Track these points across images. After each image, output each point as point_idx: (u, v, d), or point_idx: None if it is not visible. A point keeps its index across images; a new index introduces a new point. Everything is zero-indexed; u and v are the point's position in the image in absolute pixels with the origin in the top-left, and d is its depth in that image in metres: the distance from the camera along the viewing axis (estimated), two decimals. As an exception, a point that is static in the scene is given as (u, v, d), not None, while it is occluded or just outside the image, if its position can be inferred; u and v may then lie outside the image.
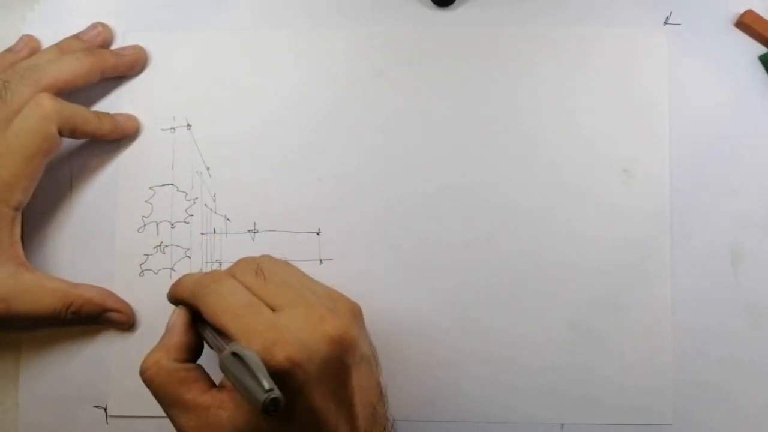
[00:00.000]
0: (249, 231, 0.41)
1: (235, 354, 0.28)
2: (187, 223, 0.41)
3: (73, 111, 0.38)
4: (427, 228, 0.40)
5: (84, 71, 0.38)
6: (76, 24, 0.41)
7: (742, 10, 0.41)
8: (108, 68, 0.40)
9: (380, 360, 0.38)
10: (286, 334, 0.29)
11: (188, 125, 0.41)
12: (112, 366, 0.40)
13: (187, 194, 0.41)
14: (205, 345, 0.34)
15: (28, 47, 0.41)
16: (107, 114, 0.40)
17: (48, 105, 0.36)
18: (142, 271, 0.41)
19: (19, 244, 0.37)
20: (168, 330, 0.34)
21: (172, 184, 0.41)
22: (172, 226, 0.41)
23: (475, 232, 0.40)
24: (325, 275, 0.40)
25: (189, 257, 0.41)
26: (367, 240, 0.40)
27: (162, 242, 0.41)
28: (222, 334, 0.31)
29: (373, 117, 0.41)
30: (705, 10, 0.41)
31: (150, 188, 0.41)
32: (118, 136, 0.41)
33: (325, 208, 0.41)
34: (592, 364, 0.40)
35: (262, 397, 0.26)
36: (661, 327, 0.40)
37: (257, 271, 0.33)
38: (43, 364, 0.40)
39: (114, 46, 0.42)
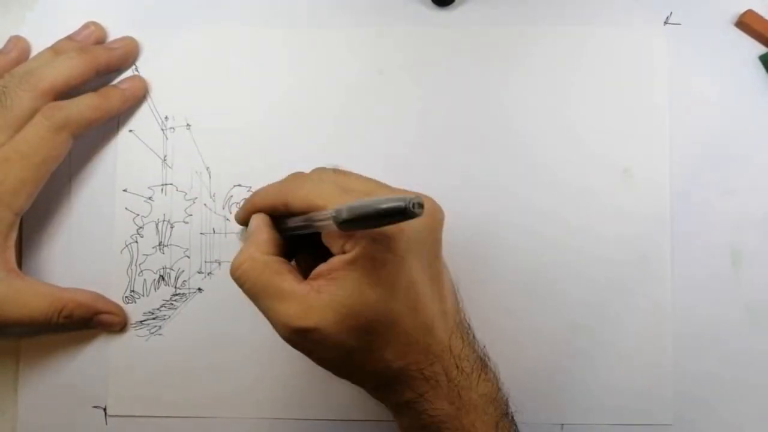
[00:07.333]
0: (248, 231, 0.41)
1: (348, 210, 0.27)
2: (187, 222, 0.41)
3: (80, 108, 0.38)
4: (427, 228, 0.40)
5: (79, 71, 0.38)
6: (75, 24, 0.41)
7: (742, 10, 0.41)
8: (102, 64, 0.40)
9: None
10: None
11: (187, 125, 0.41)
12: (111, 366, 0.40)
13: (186, 194, 0.41)
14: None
15: (17, 48, 0.41)
16: (112, 87, 0.40)
17: (57, 116, 0.37)
18: (141, 271, 0.41)
19: (13, 250, 0.37)
20: (252, 233, 0.34)
21: (171, 184, 0.41)
22: (172, 226, 0.41)
23: (474, 232, 0.40)
24: (325, 275, 0.40)
25: (188, 257, 0.41)
26: (367, 240, 0.40)
27: (161, 242, 0.41)
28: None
29: (373, 116, 0.41)
30: (705, 10, 0.41)
31: (149, 188, 0.41)
32: (130, 105, 0.41)
33: (325, 208, 0.41)
34: (592, 364, 0.40)
35: (406, 200, 0.25)
36: (661, 327, 0.40)
37: (335, 170, 0.33)
38: (42, 365, 0.40)
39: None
